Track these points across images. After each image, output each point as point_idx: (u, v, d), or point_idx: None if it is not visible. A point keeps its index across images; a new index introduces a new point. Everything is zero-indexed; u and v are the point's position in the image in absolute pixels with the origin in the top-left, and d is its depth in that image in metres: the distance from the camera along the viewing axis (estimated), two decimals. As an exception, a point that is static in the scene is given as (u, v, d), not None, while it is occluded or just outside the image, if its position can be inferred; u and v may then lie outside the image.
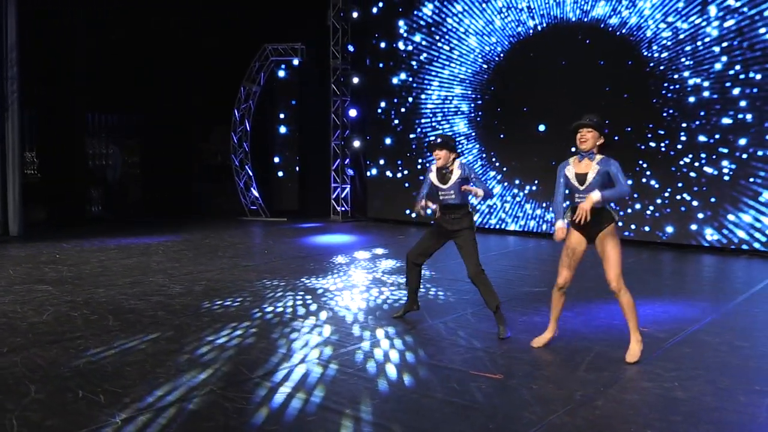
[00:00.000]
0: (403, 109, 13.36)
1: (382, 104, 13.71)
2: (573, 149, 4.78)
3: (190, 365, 4.53)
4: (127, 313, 5.88)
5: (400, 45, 13.28)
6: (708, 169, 9.79)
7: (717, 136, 9.69)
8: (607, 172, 4.56)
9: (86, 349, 4.85)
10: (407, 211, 13.05)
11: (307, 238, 11.33)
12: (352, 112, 14.26)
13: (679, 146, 10.04)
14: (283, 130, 15.38)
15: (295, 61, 14.30)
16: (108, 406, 3.81)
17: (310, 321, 5.73)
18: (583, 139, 4.63)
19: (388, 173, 13.70)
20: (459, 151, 5.96)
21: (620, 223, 4.69)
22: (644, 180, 10.34)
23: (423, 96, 13.04)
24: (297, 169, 15.49)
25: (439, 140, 5.36)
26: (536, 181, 11.59)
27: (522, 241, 11.08)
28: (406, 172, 13.35)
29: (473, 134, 12.42)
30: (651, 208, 10.36)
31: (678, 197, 10.09)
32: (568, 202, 4.84)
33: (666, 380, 4.32)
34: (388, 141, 13.65)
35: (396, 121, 13.51)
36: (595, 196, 4.47)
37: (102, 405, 3.82)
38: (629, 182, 4.77)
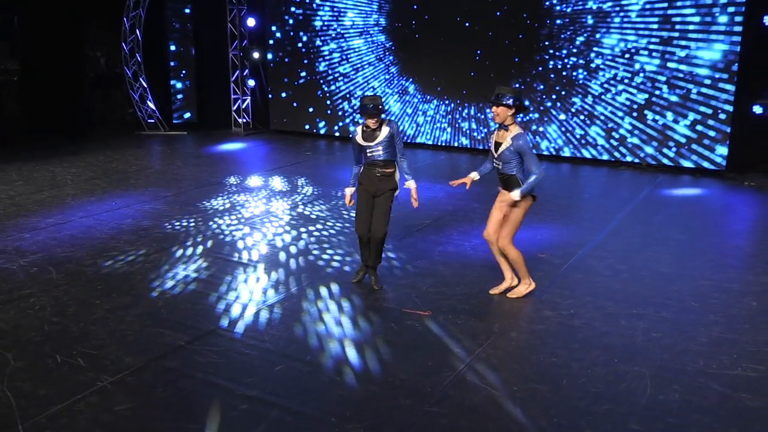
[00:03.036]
0: (302, 18, 13.29)
1: (287, 14, 13.53)
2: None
3: (151, 320, 4.92)
4: (66, 263, 6.06)
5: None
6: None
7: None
8: (518, 152, 5.05)
9: (43, 307, 5.09)
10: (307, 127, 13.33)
11: (213, 160, 11.44)
12: (251, 22, 13.96)
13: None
14: (176, 38, 14.80)
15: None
16: (90, 369, 4.19)
17: (247, 264, 6.19)
18: (494, 114, 5.15)
19: (290, 84, 13.77)
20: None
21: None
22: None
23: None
24: (193, 79, 15.10)
25: (374, 107, 5.31)
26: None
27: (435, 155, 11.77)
28: (306, 83, 13.49)
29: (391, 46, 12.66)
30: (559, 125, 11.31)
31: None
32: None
33: (563, 308, 5.22)
34: (292, 54, 13.62)
35: (300, 33, 13.45)
36: (515, 196, 5.06)
37: (85, 369, 4.20)
38: (543, 166, 5.19)
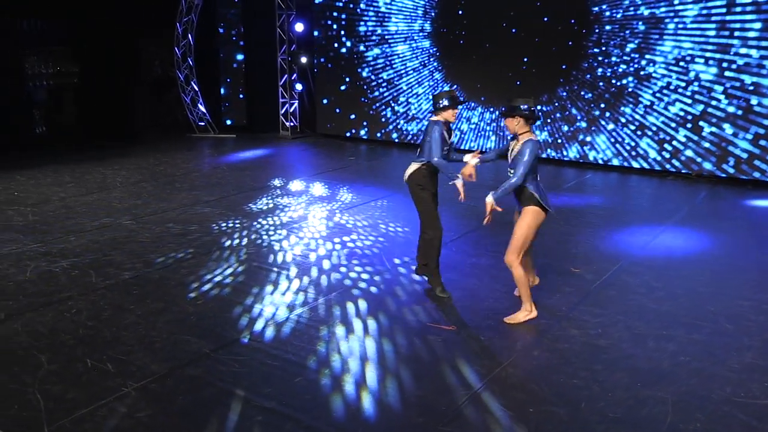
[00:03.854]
0: (348, 23, 13.40)
1: (330, 19, 13.68)
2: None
3: (179, 327, 5.07)
4: (106, 267, 6.29)
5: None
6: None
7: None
8: (521, 152, 4.99)
9: (79, 311, 5.31)
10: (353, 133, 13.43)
11: (258, 164, 11.65)
12: (299, 27, 14.16)
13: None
14: (226, 43, 15.13)
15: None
16: (118, 375, 4.35)
17: (279, 272, 6.29)
18: (507, 126, 5.17)
19: (337, 89, 13.90)
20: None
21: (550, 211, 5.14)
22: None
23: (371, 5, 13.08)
24: (242, 83, 15.42)
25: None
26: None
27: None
28: (353, 89, 13.59)
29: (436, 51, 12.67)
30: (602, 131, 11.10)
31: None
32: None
33: (591, 327, 5.13)
34: (335, 60, 13.75)
35: (343, 39, 13.56)
36: (488, 199, 5.03)
37: (113, 374, 4.36)
38: (520, 172, 4.97)
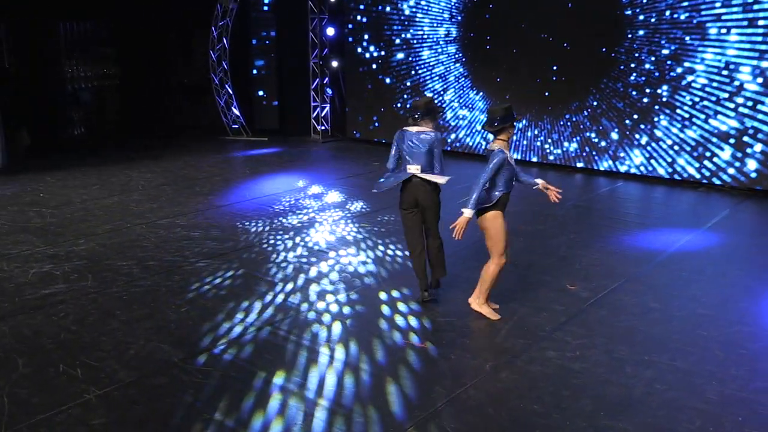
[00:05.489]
0: (381, 28, 13.39)
1: (359, 24, 13.71)
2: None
3: (158, 335, 5.16)
4: (105, 271, 6.47)
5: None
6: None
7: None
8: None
9: (67, 315, 5.47)
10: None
11: (281, 167, 11.78)
12: (330, 31, 14.24)
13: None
14: (260, 46, 15.34)
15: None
16: (85, 381, 4.46)
17: (270, 281, 6.33)
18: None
19: (361, 94, 13.91)
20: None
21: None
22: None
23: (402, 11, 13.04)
24: (275, 87, 15.58)
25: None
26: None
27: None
28: (385, 93, 13.58)
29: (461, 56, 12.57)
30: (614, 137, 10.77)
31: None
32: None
33: (570, 349, 4.97)
34: (366, 64, 13.77)
35: (372, 43, 13.57)
36: (467, 213, 5.06)
37: (80, 380, 4.48)
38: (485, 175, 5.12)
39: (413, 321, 5.45)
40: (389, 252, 7.17)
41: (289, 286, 6.16)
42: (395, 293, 6.01)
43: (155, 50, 15.01)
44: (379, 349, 4.98)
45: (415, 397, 4.32)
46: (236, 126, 14.89)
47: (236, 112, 14.82)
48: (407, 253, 6.05)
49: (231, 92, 14.74)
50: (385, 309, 5.69)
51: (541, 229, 7.97)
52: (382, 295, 5.96)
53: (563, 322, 5.44)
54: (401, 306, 5.74)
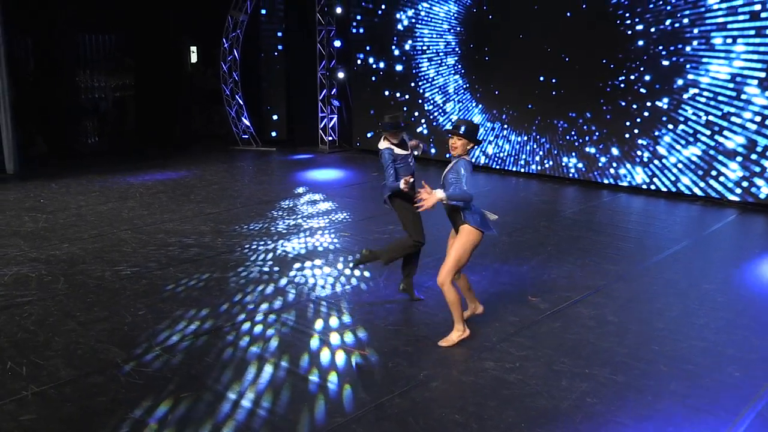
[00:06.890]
0: (385, 41, 13.51)
1: (363, 36, 13.85)
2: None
3: (109, 336, 5.30)
4: (78, 275, 6.67)
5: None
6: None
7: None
8: (455, 169, 4.94)
9: (30, 315, 5.66)
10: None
11: (280, 177, 11.94)
12: (337, 42, 14.41)
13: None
14: (269, 58, 15.59)
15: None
16: (27, 378, 4.62)
17: (236, 286, 6.44)
18: (453, 146, 5.03)
19: (372, 104, 14.03)
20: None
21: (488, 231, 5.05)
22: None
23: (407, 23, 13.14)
24: (284, 97, 15.78)
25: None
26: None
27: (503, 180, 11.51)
28: (382, 103, 13.68)
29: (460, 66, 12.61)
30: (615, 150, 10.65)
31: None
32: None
33: (510, 360, 4.94)
34: (372, 74, 13.90)
35: (378, 56, 13.69)
36: (440, 194, 4.89)
37: (23, 377, 4.63)
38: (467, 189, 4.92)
39: (361, 332, 5.48)
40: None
41: (249, 296, 6.25)
42: (344, 305, 6.06)
43: (169, 61, 15.38)
44: (323, 356, 5.02)
45: (341, 403, 4.35)
46: (246, 136, 15.15)
47: (246, 122, 15.08)
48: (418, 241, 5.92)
49: (241, 102, 15.02)
50: (333, 320, 5.73)
51: (520, 241, 7.93)
52: (331, 307, 6.02)
53: (512, 333, 5.41)
54: (345, 317, 5.78)
